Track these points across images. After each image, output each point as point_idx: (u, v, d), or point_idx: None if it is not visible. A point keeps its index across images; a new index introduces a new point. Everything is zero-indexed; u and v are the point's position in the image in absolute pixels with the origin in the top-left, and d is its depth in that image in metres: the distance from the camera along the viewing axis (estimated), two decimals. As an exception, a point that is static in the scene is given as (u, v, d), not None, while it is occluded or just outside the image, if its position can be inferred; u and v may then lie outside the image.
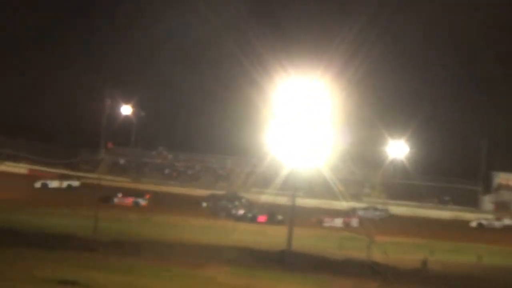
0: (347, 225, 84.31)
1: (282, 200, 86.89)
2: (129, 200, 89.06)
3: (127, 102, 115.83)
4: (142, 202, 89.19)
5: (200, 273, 47.03)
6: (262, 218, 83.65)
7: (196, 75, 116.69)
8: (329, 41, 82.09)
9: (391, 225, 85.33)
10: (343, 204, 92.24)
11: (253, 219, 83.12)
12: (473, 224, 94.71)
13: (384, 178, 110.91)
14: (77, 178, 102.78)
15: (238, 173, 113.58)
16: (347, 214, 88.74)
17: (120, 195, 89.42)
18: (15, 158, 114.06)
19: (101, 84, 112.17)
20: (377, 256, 54.01)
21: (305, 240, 61.15)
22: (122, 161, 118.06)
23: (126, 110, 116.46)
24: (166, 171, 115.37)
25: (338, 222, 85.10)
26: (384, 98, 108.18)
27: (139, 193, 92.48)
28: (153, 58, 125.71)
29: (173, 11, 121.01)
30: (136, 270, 45.18)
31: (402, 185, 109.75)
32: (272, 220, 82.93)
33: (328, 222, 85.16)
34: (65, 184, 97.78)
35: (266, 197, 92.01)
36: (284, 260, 53.78)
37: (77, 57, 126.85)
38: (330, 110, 57.30)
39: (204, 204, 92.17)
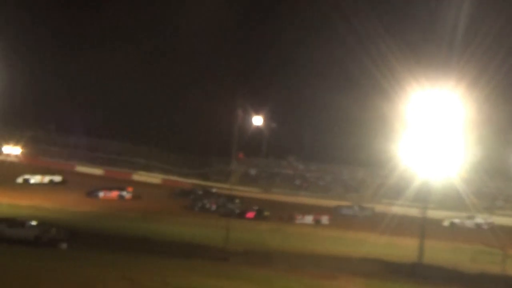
0: (317, 222, 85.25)
1: (413, 212, 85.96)
2: (115, 194, 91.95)
3: (258, 113, 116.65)
4: (127, 195, 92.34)
5: (332, 284, 46.97)
6: (250, 214, 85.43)
7: (326, 86, 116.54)
8: (462, 50, 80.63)
9: (375, 224, 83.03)
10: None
11: (241, 215, 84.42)
12: (446, 223, 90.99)
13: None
14: (211, 187, 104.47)
15: (369, 184, 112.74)
16: (317, 211, 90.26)
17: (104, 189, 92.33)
18: (149, 168, 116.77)
19: (233, 95, 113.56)
20: (513, 270, 52.77)
21: (436, 252, 60.19)
22: (252, 172, 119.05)
23: (257, 121, 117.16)
24: (297, 181, 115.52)
25: (308, 219, 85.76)
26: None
27: (122, 187, 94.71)
28: (284, 70, 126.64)
29: (304, 23, 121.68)
30: (266, 281, 45.48)
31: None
32: (259, 216, 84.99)
33: (299, 219, 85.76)
34: (46, 179, 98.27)
35: (397, 209, 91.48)
36: (416, 272, 53.19)
37: (210, 68, 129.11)
38: (463, 121, 56.43)
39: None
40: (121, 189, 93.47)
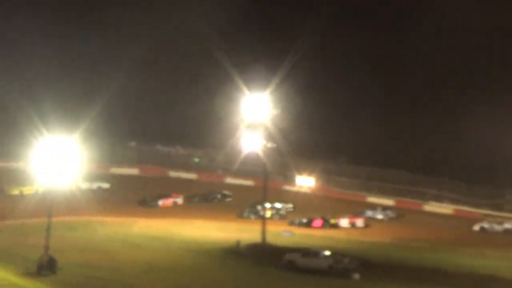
0: (353, 225, 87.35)
1: None
2: (170, 201, 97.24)
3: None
4: (179, 201, 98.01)
5: None
6: (317, 223, 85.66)
7: None
8: None
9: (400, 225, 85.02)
10: None
11: (307, 224, 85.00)
12: (476, 227, 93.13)
13: None
14: (502, 218, 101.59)
15: None
16: (352, 214, 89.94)
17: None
18: (440, 199, 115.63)
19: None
20: None
21: None
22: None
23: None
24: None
25: (344, 222, 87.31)
26: None
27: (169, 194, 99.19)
28: None
29: None
30: None
31: None
32: (326, 225, 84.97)
33: None
34: (95, 185, 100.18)
35: None
36: None
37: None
38: None
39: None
40: (174, 196, 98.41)
